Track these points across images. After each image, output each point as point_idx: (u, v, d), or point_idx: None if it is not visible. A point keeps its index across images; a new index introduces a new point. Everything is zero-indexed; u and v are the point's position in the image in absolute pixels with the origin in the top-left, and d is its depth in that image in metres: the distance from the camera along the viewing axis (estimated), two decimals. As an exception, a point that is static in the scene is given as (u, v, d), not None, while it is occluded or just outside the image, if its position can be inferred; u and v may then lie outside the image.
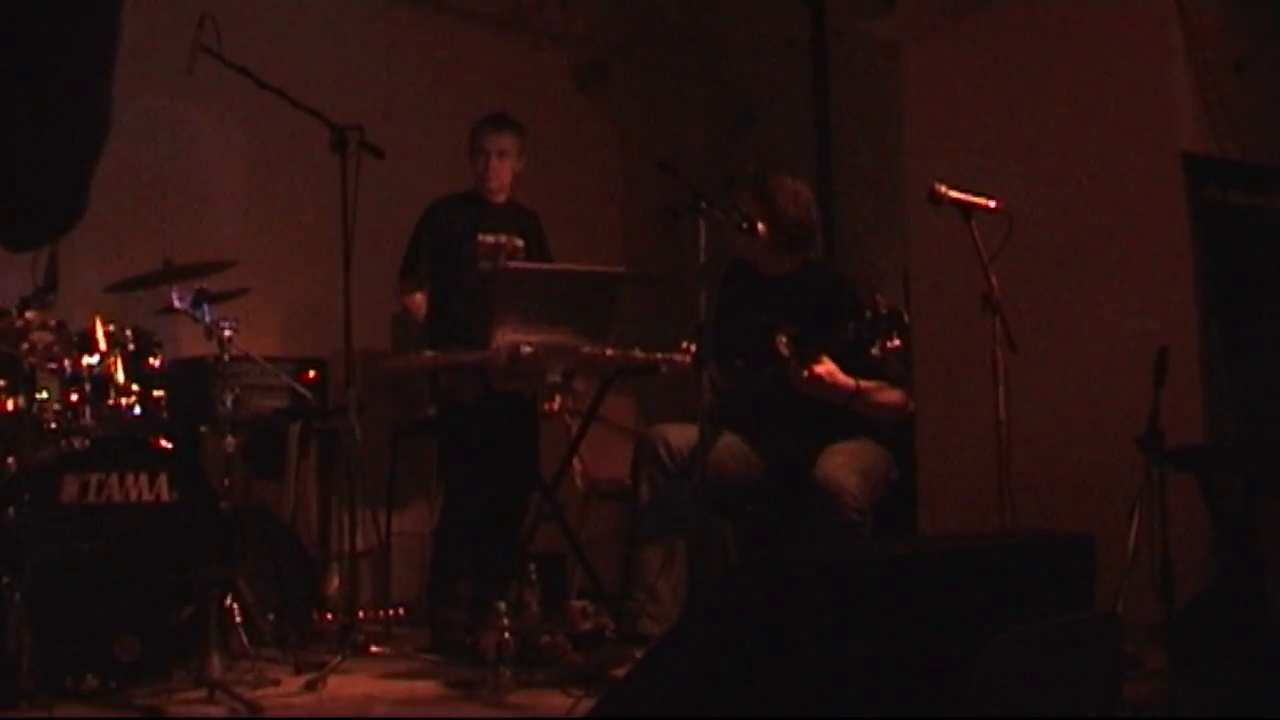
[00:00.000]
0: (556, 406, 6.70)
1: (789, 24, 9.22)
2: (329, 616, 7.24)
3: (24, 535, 5.20)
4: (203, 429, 6.76)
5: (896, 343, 5.65)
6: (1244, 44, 7.06)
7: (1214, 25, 6.87)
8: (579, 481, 7.83)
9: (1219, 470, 5.88)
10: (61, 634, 5.31)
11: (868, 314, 5.66)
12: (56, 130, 1.66)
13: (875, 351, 5.65)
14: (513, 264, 6.82)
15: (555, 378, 6.28)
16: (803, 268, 6.33)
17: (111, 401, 5.79)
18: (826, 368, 5.86)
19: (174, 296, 6.21)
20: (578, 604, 7.24)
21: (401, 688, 5.85)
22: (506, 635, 5.50)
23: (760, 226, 6.11)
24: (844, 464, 5.85)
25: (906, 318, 5.70)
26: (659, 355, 6.35)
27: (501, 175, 7.40)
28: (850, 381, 5.93)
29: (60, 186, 1.68)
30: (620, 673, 5.48)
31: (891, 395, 6.11)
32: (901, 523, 6.69)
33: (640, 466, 6.11)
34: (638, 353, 6.38)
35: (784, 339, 5.91)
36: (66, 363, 5.70)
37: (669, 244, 8.87)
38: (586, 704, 4.91)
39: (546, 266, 6.80)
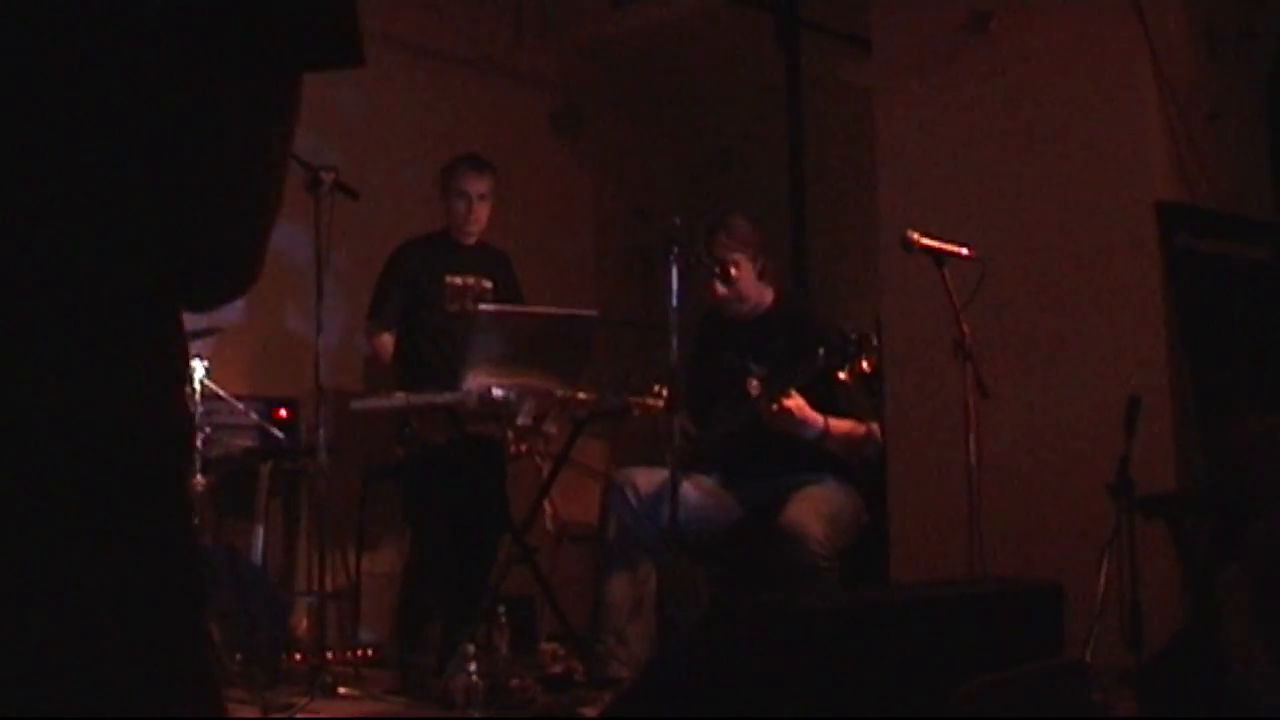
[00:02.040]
0: (524, 449, 6.71)
1: (765, 70, 9.24)
2: (297, 657, 7.21)
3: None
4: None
5: (866, 367, 5.68)
6: (1218, 93, 7.10)
7: (1189, 74, 6.90)
8: (549, 524, 7.82)
9: (1189, 518, 5.89)
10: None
11: (836, 339, 5.70)
12: (245, 195, 1.69)
13: (844, 376, 5.68)
14: (484, 306, 6.80)
15: (527, 420, 6.28)
16: (773, 306, 6.36)
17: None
18: (795, 401, 5.88)
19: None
20: (547, 647, 7.24)
21: (369, 730, 5.84)
22: (475, 678, 5.49)
23: (732, 270, 6.13)
24: (811, 509, 5.86)
25: (876, 341, 5.73)
26: (631, 398, 6.36)
27: (482, 218, 7.40)
28: (819, 417, 5.95)
29: (241, 250, 1.70)
30: (590, 715, 5.48)
31: (861, 430, 6.14)
32: (872, 568, 6.69)
33: (608, 509, 6.12)
34: (610, 396, 6.39)
35: (754, 381, 5.93)
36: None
37: (642, 288, 8.88)
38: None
39: (519, 309, 6.80)
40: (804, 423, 5.96)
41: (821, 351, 5.75)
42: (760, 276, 6.35)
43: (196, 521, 6.15)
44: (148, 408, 1.54)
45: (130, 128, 1.52)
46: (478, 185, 7.35)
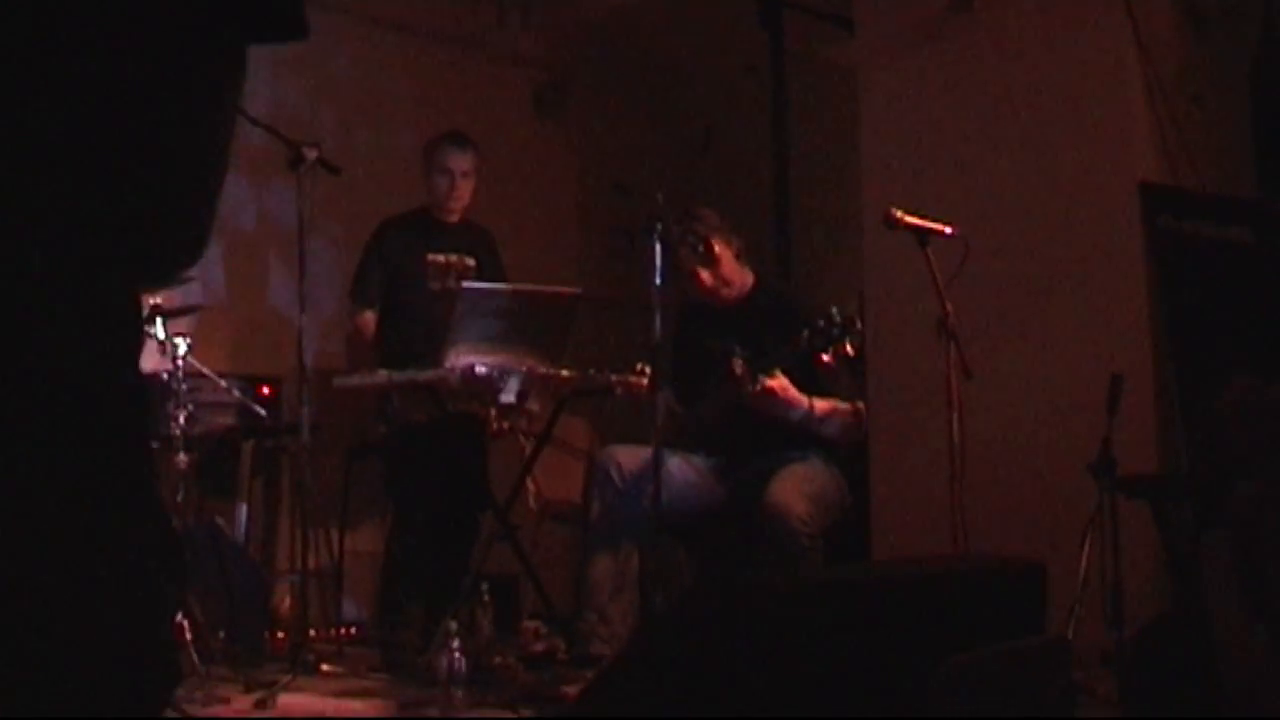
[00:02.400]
0: (507, 427, 6.71)
1: (748, 49, 9.22)
2: (280, 635, 7.20)
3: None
4: (155, 445, 6.72)
5: (849, 349, 5.69)
6: (1202, 75, 7.10)
7: (1172, 55, 6.90)
8: (532, 502, 7.82)
9: (1171, 498, 5.90)
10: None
11: (820, 321, 5.70)
12: (195, 173, 1.70)
13: (828, 358, 5.69)
14: (466, 284, 6.79)
15: (509, 398, 6.27)
16: (752, 291, 6.37)
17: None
18: (779, 382, 5.89)
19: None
20: (530, 625, 7.24)
21: (352, 707, 5.83)
22: (458, 655, 5.48)
23: (717, 248, 6.14)
24: (794, 489, 5.87)
25: (859, 324, 5.73)
26: (614, 377, 6.36)
27: (465, 196, 7.39)
28: (803, 398, 5.96)
29: (191, 222, 1.71)
30: (572, 693, 5.48)
31: (845, 411, 6.15)
32: (855, 547, 6.70)
33: (592, 487, 6.14)
34: (593, 374, 6.38)
35: (738, 361, 5.94)
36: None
37: (625, 266, 8.87)
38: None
39: (501, 287, 6.77)
40: (788, 403, 5.97)
41: (805, 334, 5.76)
42: (738, 258, 6.36)
43: (180, 498, 6.15)
44: (102, 375, 1.54)
45: (78, 102, 1.52)
46: (460, 162, 7.34)
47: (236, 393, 6.85)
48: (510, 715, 5.41)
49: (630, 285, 6.80)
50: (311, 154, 6.36)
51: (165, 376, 6.23)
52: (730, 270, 6.31)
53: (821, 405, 6.08)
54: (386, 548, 7.39)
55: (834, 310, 5.74)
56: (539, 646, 6.86)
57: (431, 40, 9.15)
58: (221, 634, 6.29)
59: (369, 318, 7.43)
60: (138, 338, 1.70)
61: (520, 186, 9.18)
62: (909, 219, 5.57)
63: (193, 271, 5.75)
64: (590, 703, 3.43)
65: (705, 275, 6.25)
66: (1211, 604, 4.41)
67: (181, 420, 6.14)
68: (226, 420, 7.07)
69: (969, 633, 3.38)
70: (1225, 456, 4.51)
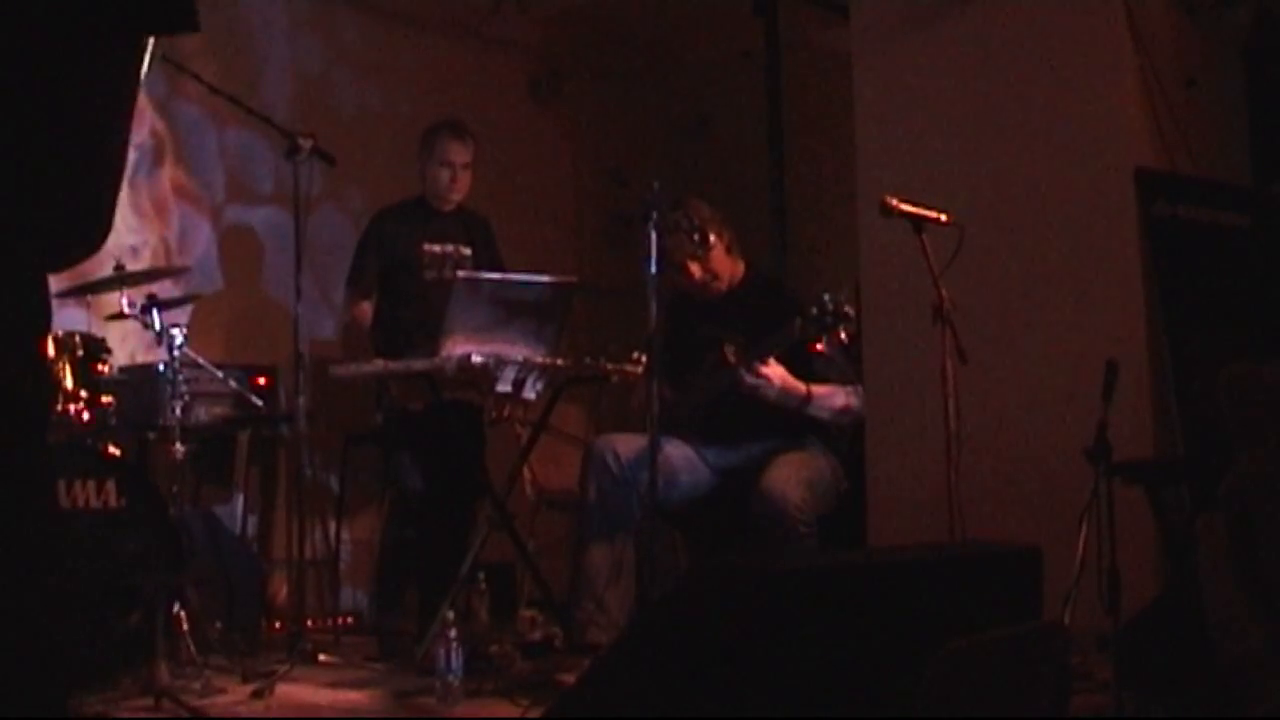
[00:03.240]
0: (504, 415, 6.71)
1: (743, 35, 9.22)
2: (277, 625, 7.21)
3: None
4: (151, 436, 6.72)
5: (844, 337, 5.69)
6: (1196, 59, 7.10)
7: (1167, 41, 6.90)
8: (529, 491, 7.81)
9: (1167, 483, 5.91)
10: (6, 640, 5.27)
11: (813, 308, 5.70)
12: (91, 161, 1.70)
13: (822, 347, 5.69)
14: (461, 273, 6.79)
15: (506, 387, 6.27)
16: (744, 281, 6.37)
17: (60, 408, 5.75)
18: (774, 369, 5.89)
19: (124, 302, 6.19)
20: (527, 613, 7.25)
21: (349, 696, 5.84)
22: (455, 644, 5.48)
23: (711, 237, 6.14)
24: (790, 475, 5.88)
25: (851, 311, 5.73)
26: (610, 365, 6.36)
27: (464, 187, 7.40)
28: (799, 384, 5.96)
29: (91, 209, 1.71)
30: (569, 681, 5.49)
31: (841, 396, 6.15)
32: (851, 533, 6.70)
33: (588, 475, 6.13)
34: (589, 362, 6.39)
35: (731, 348, 5.94)
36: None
37: (621, 253, 8.87)
38: (535, 713, 4.90)
39: (497, 276, 6.77)
40: (783, 390, 5.97)
41: (798, 321, 5.76)
42: (729, 250, 6.36)
43: (175, 489, 6.15)
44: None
45: None
46: (462, 155, 7.34)
47: (233, 383, 6.84)
48: (507, 704, 5.41)
49: (627, 272, 6.79)
50: (307, 143, 6.36)
51: (161, 367, 6.23)
52: (721, 263, 6.31)
53: (818, 390, 6.08)
54: (383, 537, 7.40)
55: (826, 297, 5.73)
56: (536, 635, 6.86)
57: (427, 28, 9.14)
58: (218, 624, 6.29)
59: (366, 307, 7.42)
60: (38, 324, 1.70)
61: (516, 174, 9.18)
62: (905, 207, 5.57)
63: (188, 261, 5.74)
64: (588, 691, 3.44)
65: (695, 267, 6.25)
66: (1206, 586, 4.42)
67: (178, 411, 6.14)
68: (223, 410, 7.06)
69: (965, 618, 3.38)
70: (1221, 438, 4.51)
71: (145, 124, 7.65)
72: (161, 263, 7.55)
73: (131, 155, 7.70)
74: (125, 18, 1.67)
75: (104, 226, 1.72)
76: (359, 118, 8.65)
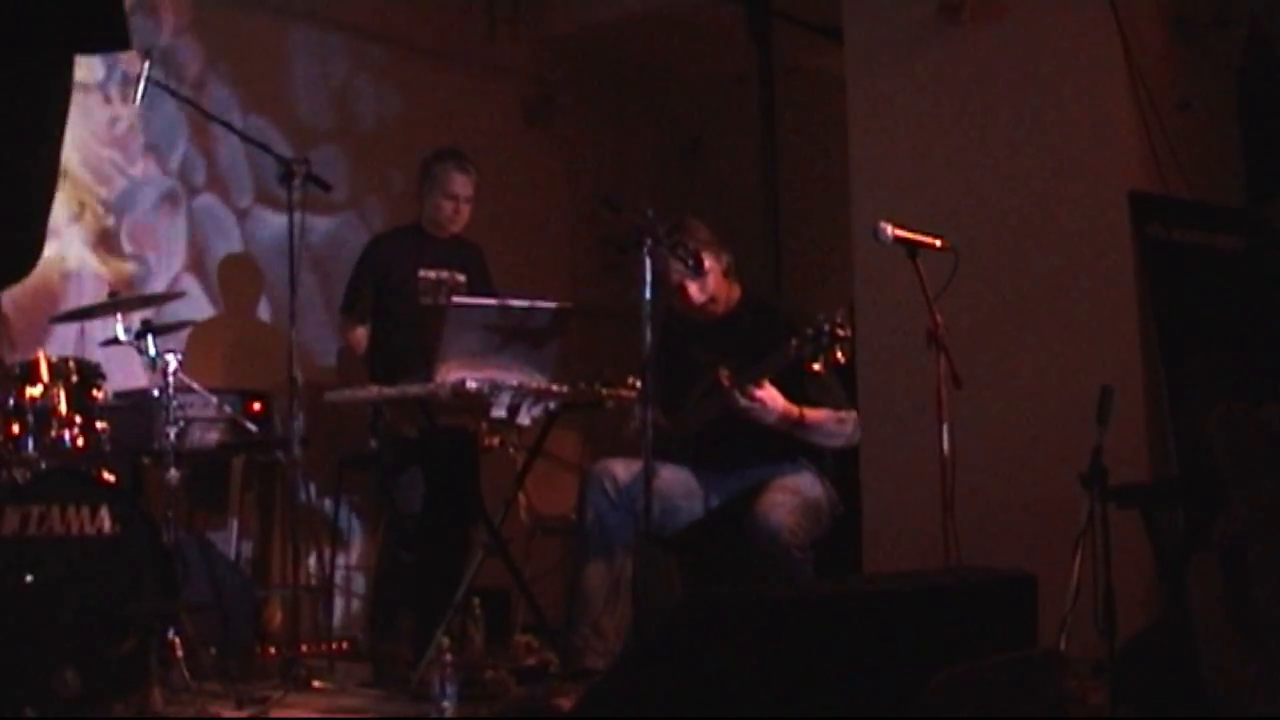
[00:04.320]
0: (498, 441, 6.71)
1: (737, 58, 9.25)
2: (271, 650, 7.20)
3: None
4: (145, 461, 6.72)
5: (840, 357, 5.68)
6: (1190, 83, 7.12)
7: (1160, 64, 6.92)
8: (524, 516, 7.80)
9: (1162, 507, 5.91)
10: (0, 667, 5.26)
11: (809, 330, 5.69)
12: (18, 183, 1.68)
13: (818, 367, 5.68)
14: (456, 299, 6.79)
15: (500, 413, 6.27)
16: (739, 305, 6.36)
17: (54, 433, 5.74)
18: (768, 392, 5.87)
19: (119, 328, 6.19)
20: (522, 639, 7.23)
21: (344, 723, 5.83)
22: (450, 669, 5.47)
23: (710, 259, 6.13)
24: (784, 501, 5.86)
25: (848, 332, 5.71)
26: (605, 390, 6.35)
27: (465, 219, 7.41)
28: (794, 408, 5.95)
29: (22, 234, 1.69)
30: (565, 706, 5.48)
31: (836, 419, 6.13)
32: (846, 558, 6.70)
33: (586, 498, 6.12)
34: (583, 387, 6.38)
35: (725, 371, 5.93)
36: (10, 395, 5.66)
37: (615, 278, 8.88)
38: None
39: (491, 301, 6.76)
40: (777, 413, 5.96)
41: (794, 342, 5.75)
42: (726, 274, 6.35)
43: (169, 514, 6.15)
44: None
45: None
46: (466, 188, 7.36)
47: (227, 408, 6.83)
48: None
49: (621, 297, 6.80)
50: (302, 169, 6.35)
51: (156, 392, 6.23)
52: (718, 285, 6.29)
53: (812, 414, 6.06)
54: (378, 562, 7.40)
55: (822, 319, 5.73)
56: (531, 660, 6.84)
57: (421, 53, 9.15)
58: (213, 649, 6.27)
59: (360, 333, 7.42)
60: None
61: (511, 198, 9.18)
62: (898, 232, 5.56)
63: (184, 287, 5.74)
64: (583, 716, 3.44)
65: (693, 289, 6.23)
66: (1199, 627, 4.41)
67: (172, 436, 6.13)
68: (217, 435, 7.05)
69: (961, 645, 3.38)
70: (1213, 478, 4.50)
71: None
72: (160, 287, 7.56)
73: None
74: (52, 38, 1.66)
75: (34, 253, 1.70)
76: (354, 143, 8.64)
